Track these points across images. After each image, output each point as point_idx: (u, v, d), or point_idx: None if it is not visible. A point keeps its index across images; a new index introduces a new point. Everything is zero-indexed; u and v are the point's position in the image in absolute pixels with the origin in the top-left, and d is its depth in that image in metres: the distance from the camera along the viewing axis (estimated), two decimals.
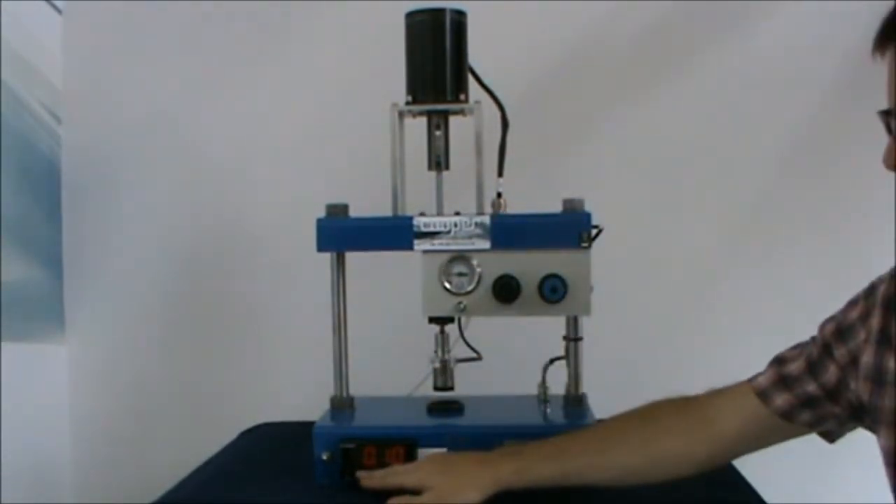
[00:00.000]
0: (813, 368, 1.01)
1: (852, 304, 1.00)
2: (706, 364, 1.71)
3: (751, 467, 1.18)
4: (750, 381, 1.05)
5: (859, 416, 0.99)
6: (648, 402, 1.09)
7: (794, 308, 1.68)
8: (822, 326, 1.02)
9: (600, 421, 1.14)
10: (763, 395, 1.03)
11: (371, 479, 1.12)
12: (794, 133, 1.74)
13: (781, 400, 1.01)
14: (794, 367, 1.02)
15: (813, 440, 1.06)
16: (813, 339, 1.03)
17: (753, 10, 1.71)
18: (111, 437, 1.82)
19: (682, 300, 1.75)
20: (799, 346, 1.05)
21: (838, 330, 0.99)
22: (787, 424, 1.02)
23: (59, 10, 1.79)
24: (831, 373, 0.99)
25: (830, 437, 1.05)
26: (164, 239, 1.81)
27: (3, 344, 1.57)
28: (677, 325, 1.75)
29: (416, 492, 1.06)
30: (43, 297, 1.77)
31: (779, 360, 1.05)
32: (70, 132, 1.80)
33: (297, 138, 1.78)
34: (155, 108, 1.79)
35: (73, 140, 1.81)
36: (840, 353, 0.98)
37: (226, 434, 1.48)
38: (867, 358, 0.94)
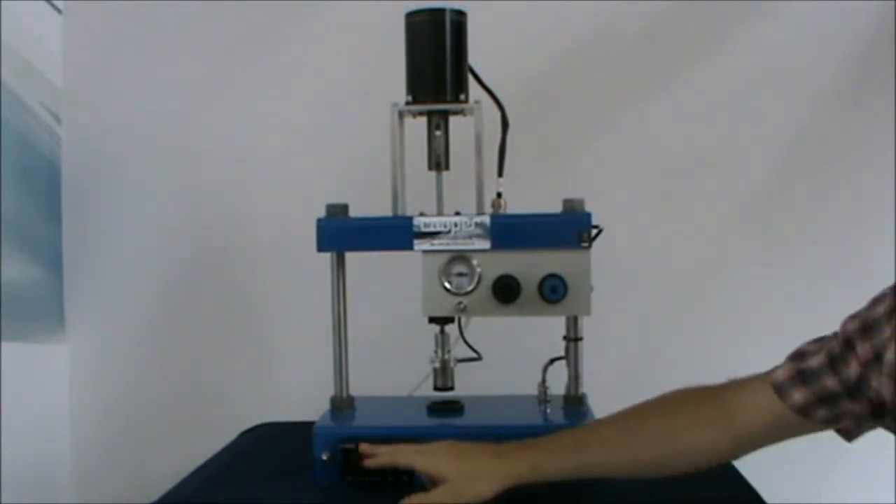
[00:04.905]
0: (834, 363, 0.98)
1: (878, 300, 0.97)
2: (706, 364, 1.70)
3: (751, 467, 1.17)
4: (768, 373, 1.03)
5: (880, 415, 0.97)
6: (666, 392, 1.07)
7: (795, 308, 1.69)
8: (845, 323, 0.99)
9: (618, 413, 1.10)
10: (780, 389, 1.00)
11: (377, 457, 1.09)
12: (795, 133, 1.74)
13: (799, 395, 0.99)
14: (814, 362, 1.00)
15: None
16: (835, 334, 1.01)
17: (754, 11, 1.71)
18: (111, 437, 1.82)
19: (682, 300, 1.75)
20: (820, 341, 1.02)
21: (863, 326, 0.96)
22: (804, 420, 1.00)
23: (59, 10, 1.79)
24: (852, 369, 0.96)
25: (849, 435, 1.03)
26: (164, 239, 1.81)
27: (3, 344, 1.57)
28: (677, 325, 1.75)
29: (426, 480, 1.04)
30: (43, 297, 1.77)
31: (798, 355, 1.02)
32: (70, 132, 1.80)
33: (297, 138, 1.78)
34: (155, 108, 1.79)
35: (73, 140, 1.80)
36: (863, 349, 0.96)
37: (226, 434, 1.48)
38: (891, 355, 0.92)
